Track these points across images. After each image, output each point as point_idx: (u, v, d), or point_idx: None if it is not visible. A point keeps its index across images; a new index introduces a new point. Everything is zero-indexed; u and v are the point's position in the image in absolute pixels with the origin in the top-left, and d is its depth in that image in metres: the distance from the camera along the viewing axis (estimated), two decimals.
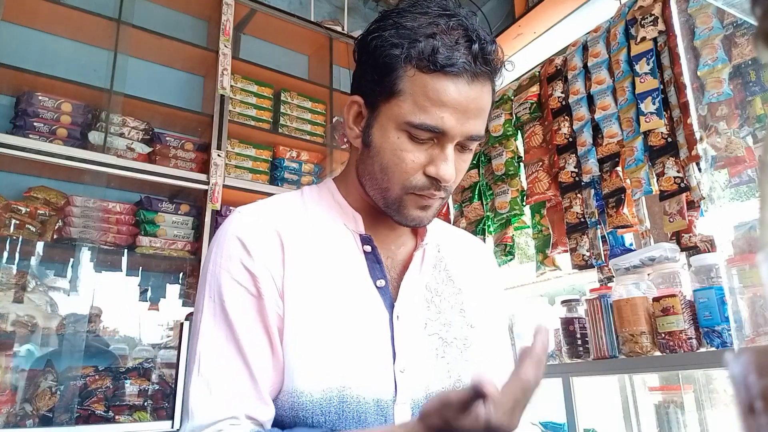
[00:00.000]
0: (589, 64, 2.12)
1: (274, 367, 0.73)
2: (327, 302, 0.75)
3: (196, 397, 0.70)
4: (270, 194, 1.01)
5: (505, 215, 2.43)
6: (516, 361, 0.61)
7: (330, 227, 0.82)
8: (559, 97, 2.25)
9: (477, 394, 0.56)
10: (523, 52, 2.64)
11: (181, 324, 2.14)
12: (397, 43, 0.72)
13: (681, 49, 1.77)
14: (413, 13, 0.74)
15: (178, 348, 2.10)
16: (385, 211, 0.80)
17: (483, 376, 0.56)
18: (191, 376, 0.72)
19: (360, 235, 0.82)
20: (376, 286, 0.79)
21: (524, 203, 2.40)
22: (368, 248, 0.81)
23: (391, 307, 0.79)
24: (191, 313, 2.24)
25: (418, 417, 0.62)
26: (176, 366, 2.08)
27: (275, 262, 0.76)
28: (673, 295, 1.48)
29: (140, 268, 2.33)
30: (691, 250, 1.74)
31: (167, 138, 2.41)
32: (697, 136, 1.70)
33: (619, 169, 2.01)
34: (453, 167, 0.75)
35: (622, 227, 1.97)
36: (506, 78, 1.08)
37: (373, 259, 0.81)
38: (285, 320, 0.74)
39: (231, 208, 2.33)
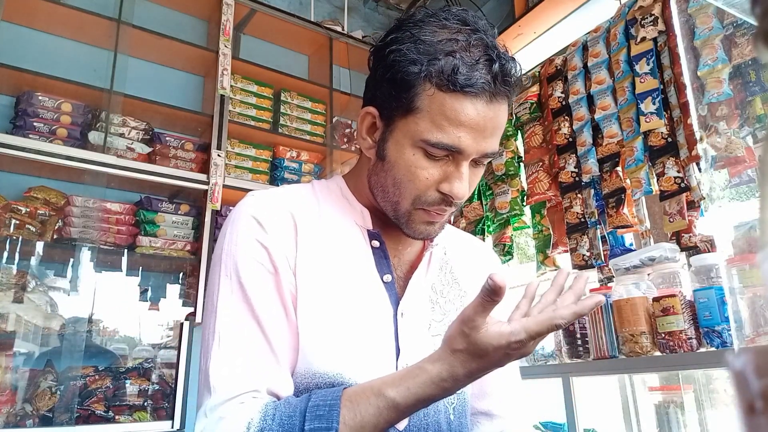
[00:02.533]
0: (589, 64, 2.12)
1: (290, 344, 0.73)
2: (334, 290, 0.76)
3: (216, 372, 0.69)
4: None
5: (505, 215, 2.42)
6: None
7: (339, 220, 0.82)
8: (559, 97, 2.25)
9: (491, 291, 0.57)
10: (523, 52, 2.64)
11: (181, 324, 2.14)
12: (415, 59, 0.70)
13: (681, 49, 1.77)
14: (431, 26, 0.72)
15: (178, 348, 2.10)
16: (394, 221, 0.80)
17: (495, 276, 0.57)
18: (210, 353, 0.71)
19: (368, 230, 0.82)
20: (383, 281, 0.80)
21: (524, 203, 2.40)
22: (376, 243, 0.81)
23: (396, 304, 0.79)
24: (191, 313, 2.25)
25: (442, 342, 0.63)
26: (176, 366, 2.08)
27: (289, 240, 0.76)
28: (673, 295, 1.48)
29: (140, 268, 2.32)
30: (691, 250, 1.74)
31: (167, 138, 2.41)
32: (697, 136, 1.70)
33: (619, 169, 2.01)
34: (467, 185, 0.74)
35: (622, 227, 1.97)
36: None
37: (381, 255, 0.81)
38: (297, 299, 0.74)
39: (231, 208, 2.33)
